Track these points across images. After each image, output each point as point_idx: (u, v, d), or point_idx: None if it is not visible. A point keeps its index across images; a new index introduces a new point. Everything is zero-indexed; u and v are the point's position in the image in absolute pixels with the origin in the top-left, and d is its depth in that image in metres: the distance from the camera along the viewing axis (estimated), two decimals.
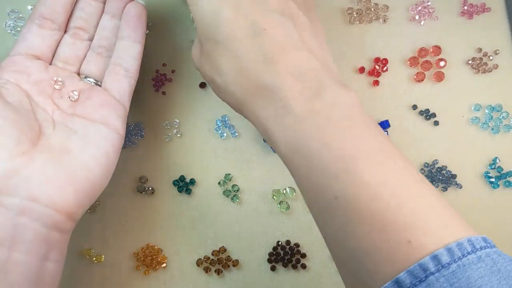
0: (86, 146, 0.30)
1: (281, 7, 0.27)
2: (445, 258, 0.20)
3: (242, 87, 0.27)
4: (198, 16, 0.27)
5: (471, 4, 0.39)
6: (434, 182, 0.38)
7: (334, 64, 0.28)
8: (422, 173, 0.38)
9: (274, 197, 0.38)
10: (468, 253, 0.21)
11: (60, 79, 0.33)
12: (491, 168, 0.37)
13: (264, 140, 0.38)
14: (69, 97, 0.32)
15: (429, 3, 0.39)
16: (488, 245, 0.22)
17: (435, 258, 0.21)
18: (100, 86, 0.34)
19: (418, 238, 0.21)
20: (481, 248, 0.21)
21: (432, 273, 0.20)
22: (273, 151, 0.38)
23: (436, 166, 0.38)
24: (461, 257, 0.21)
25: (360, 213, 0.23)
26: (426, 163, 0.38)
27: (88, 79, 0.34)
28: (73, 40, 0.34)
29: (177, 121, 0.39)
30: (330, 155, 0.24)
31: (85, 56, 0.35)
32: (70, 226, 0.29)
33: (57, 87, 0.32)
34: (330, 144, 0.24)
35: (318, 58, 0.27)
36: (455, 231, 0.22)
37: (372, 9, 0.40)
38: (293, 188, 0.38)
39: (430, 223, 0.22)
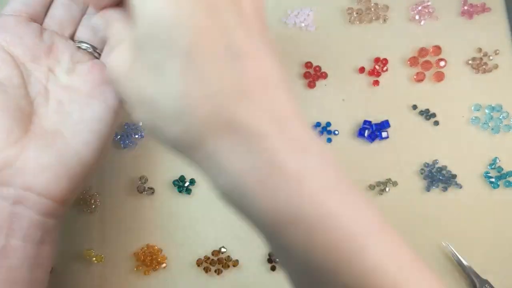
0: (80, 131, 0.28)
1: (262, 32, 0.22)
2: None
3: (206, 119, 0.20)
4: (147, 12, 0.20)
5: (471, 4, 0.39)
6: (434, 182, 0.38)
7: None
8: (422, 173, 0.38)
9: None
10: None
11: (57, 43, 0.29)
12: (491, 168, 0.37)
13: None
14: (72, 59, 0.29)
15: (429, 3, 0.39)
16: None
17: None
18: (98, 55, 0.30)
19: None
20: None
21: None
22: None
23: (436, 166, 0.38)
24: None
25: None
26: (426, 163, 0.38)
27: (84, 44, 0.30)
28: (69, 2, 0.30)
29: None
30: (339, 230, 0.19)
31: (80, 20, 0.30)
32: (64, 211, 0.29)
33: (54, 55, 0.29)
34: (337, 215, 0.19)
35: (292, 101, 0.21)
36: None
37: (372, 9, 0.40)
38: None
39: (415, 272, 0.20)
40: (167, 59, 0.20)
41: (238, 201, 0.21)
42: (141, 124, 0.29)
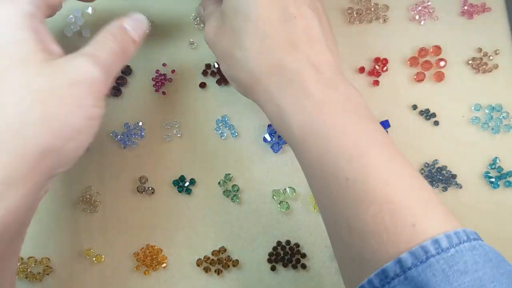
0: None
1: (312, 3, 0.29)
2: (444, 243, 0.22)
3: (263, 64, 0.28)
4: None
5: (471, 4, 0.39)
6: (434, 182, 0.38)
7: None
8: (422, 173, 0.38)
9: (274, 197, 0.38)
10: (464, 241, 0.23)
11: None
12: (491, 168, 0.37)
13: (264, 140, 0.38)
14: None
15: (429, 3, 0.39)
16: (479, 238, 0.24)
17: (436, 242, 0.22)
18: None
19: (421, 222, 0.23)
20: (474, 239, 0.23)
21: (433, 255, 0.22)
22: (274, 151, 0.38)
23: (436, 166, 0.38)
24: (458, 243, 0.22)
25: (370, 195, 0.24)
26: (426, 163, 0.38)
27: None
28: None
29: (177, 121, 0.39)
30: (346, 140, 0.26)
31: None
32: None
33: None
34: (347, 131, 0.26)
35: (333, 55, 0.29)
36: (451, 222, 0.24)
37: (372, 9, 0.40)
38: (293, 188, 0.38)
39: (432, 211, 0.24)
40: (243, 24, 0.28)
41: (279, 122, 0.28)
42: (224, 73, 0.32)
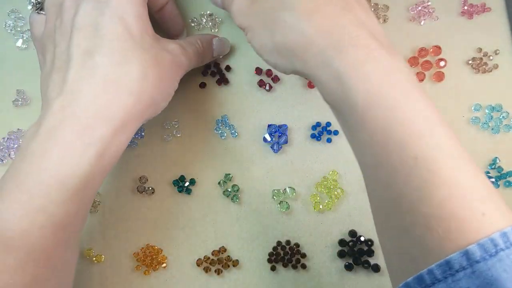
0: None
1: None
2: None
3: (318, 25, 0.26)
4: None
5: (471, 4, 0.39)
6: None
7: None
8: None
9: (274, 197, 0.38)
10: None
11: None
12: (491, 168, 0.37)
13: (264, 140, 0.38)
14: None
15: (429, 3, 0.39)
16: None
17: (504, 235, 0.21)
18: None
19: (491, 212, 0.22)
20: None
21: (503, 249, 0.20)
22: (274, 151, 0.38)
23: None
24: None
25: (440, 177, 0.22)
26: None
27: None
28: None
29: (177, 121, 0.39)
30: (416, 113, 0.23)
31: None
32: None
33: None
34: (416, 102, 0.24)
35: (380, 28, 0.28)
36: None
37: (372, 9, 0.39)
38: (293, 188, 0.38)
39: (498, 202, 0.22)
40: (279, 8, 0.27)
41: (336, 89, 0.26)
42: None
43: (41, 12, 0.33)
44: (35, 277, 0.27)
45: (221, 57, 0.39)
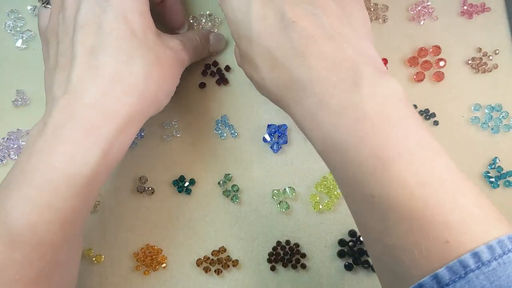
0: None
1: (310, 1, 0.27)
2: (485, 256, 0.20)
3: (277, 82, 0.27)
4: (230, 16, 0.29)
5: (471, 4, 0.39)
6: None
7: (374, 50, 0.27)
8: None
9: (274, 197, 0.38)
10: (509, 251, 0.20)
11: None
12: (491, 168, 0.37)
13: (264, 140, 0.38)
14: None
15: (429, 3, 0.39)
16: None
17: (475, 255, 0.20)
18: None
19: (456, 238, 0.21)
20: None
21: (472, 270, 0.20)
22: (274, 151, 0.38)
23: None
24: (502, 254, 0.20)
25: (398, 212, 0.22)
26: None
27: None
28: None
29: (177, 121, 0.39)
30: (366, 151, 0.23)
31: None
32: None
33: None
34: (367, 140, 0.23)
35: (353, 47, 0.26)
36: (495, 228, 0.22)
37: (372, 9, 0.39)
38: (293, 188, 0.38)
39: (469, 222, 0.22)
40: (248, 46, 0.28)
41: (306, 136, 0.27)
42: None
43: (48, 6, 0.33)
44: (42, 272, 0.27)
45: (214, 53, 0.40)
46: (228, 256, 0.38)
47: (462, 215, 0.22)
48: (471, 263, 0.20)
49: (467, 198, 0.23)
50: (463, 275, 0.20)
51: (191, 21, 0.40)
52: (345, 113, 0.24)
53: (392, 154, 0.23)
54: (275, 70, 0.27)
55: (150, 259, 0.38)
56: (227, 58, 0.40)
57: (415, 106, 0.38)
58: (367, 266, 0.36)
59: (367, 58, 0.26)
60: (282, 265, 0.37)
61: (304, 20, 0.26)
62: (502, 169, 0.37)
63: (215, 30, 0.40)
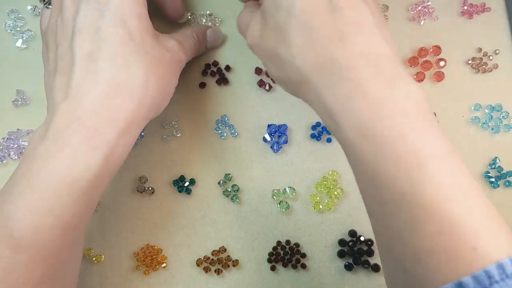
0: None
1: None
2: (509, 268, 0.20)
3: (311, 61, 0.26)
4: None
5: (471, 4, 0.39)
6: None
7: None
8: None
9: (274, 197, 0.38)
10: None
11: None
12: (491, 168, 0.37)
13: (264, 140, 0.38)
14: None
15: (429, 3, 0.39)
16: None
17: (500, 266, 0.20)
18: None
19: (484, 245, 0.21)
20: None
21: (497, 282, 0.20)
22: (274, 151, 0.38)
23: None
24: None
25: (429, 212, 0.22)
26: None
27: None
28: None
29: (177, 121, 0.39)
30: (404, 147, 0.23)
31: None
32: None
33: None
34: (407, 136, 0.23)
35: (390, 46, 0.26)
36: None
37: None
38: (293, 188, 0.38)
39: (498, 233, 0.22)
40: (286, 19, 0.26)
41: (329, 123, 0.26)
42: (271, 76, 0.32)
43: (49, 6, 0.33)
44: (45, 275, 0.27)
45: (211, 48, 0.40)
46: (228, 256, 0.38)
47: (490, 224, 0.22)
48: (496, 274, 0.20)
49: (491, 209, 0.23)
50: (487, 286, 0.20)
51: (191, 19, 0.40)
52: (385, 104, 0.24)
53: (431, 153, 0.23)
54: (312, 49, 0.26)
55: (150, 259, 0.38)
56: (227, 58, 0.40)
57: None
58: (367, 266, 0.36)
59: (398, 60, 0.26)
60: (282, 265, 0.37)
61: (352, 9, 0.26)
62: (502, 169, 0.37)
63: None
